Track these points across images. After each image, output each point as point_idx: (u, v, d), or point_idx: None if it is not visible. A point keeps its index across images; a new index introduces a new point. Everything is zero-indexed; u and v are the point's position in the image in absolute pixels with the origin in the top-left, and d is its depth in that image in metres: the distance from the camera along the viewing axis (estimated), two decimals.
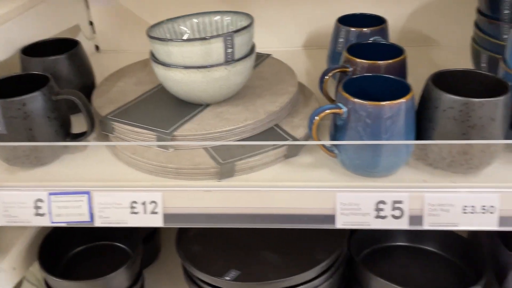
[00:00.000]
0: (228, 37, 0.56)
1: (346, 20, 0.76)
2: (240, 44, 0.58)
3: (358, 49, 0.64)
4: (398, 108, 0.50)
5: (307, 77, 0.81)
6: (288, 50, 0.95)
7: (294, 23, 0.94)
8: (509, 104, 0.50)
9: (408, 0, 0.91)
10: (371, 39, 0.71)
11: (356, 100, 0.50)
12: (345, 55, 0.63)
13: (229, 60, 0.58)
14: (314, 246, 0.70)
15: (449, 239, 0.78)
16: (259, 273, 0.66)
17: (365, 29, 0.73)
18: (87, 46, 0.98)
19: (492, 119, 0.48)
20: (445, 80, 0.55)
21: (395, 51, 0.63)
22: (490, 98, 0.48)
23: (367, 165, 0.52)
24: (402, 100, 0.50)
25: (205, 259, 0.69)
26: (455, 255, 0.78)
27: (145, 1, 0.93)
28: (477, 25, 0.71)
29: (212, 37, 0.56)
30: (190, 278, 0.71)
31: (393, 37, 0.94)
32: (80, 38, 0.96)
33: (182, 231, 0.76)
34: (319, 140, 0.53)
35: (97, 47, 1.00)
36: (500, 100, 0.48)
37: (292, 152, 0.58)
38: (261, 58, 0.79)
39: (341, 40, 0.74)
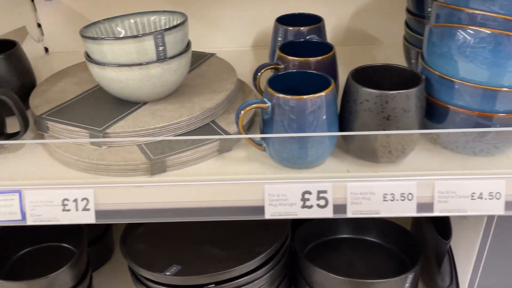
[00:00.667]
0: (159, 35, 0.58)
1: (285, 20, 0.78)
2: (172, 42, 0.60)
3: (292, 47, 0.67)
4: (319, 101, 0.52)
5: (251, 76, 0.83)
6: (236, 49, 0.97)
7: (242, 23, 0.96)
8: (421, 96, 0.53)
9: (352, 1, 0.94)
10: (307, 37, 0.74)
11: (279, 95, 0.52)
12: (278, 53, 0.65)
13: (162, 58, 0.60)
14: (255, 239, 0.72)
15: (389, 230, 0.82)
16: (200, 267, 0.67)
17: (302, 28, 0.75)
18: (36, 48, 0.98)
19: (405, 110, 0.51)
20: (367, 75, 0.57)
21: (326, 48, 0.66)
22: (401, 90, 0.50)
23: (292, 157, 0.54)
24: (322, 93, 0.52)
25: (148, 256, 0.70)
26: (394, 244, 0.81)
27: (93, 2, 0.93)
28: (406, 24, 0.74)
29: (143, 35, 0.57)
30: (135, 276, 0.72)
31: (338, 36, 0.98)
32: (28, 40, 0.95)
33: (128, 229, 0.77)
34: (247, 134, 0.55)
35: (46, 49, 0.99)
36: (412, 92, 0.51)
37: (225, 147, 0.60)
38: (205, 57, 0.81)
39: (279, 39, 0.76)
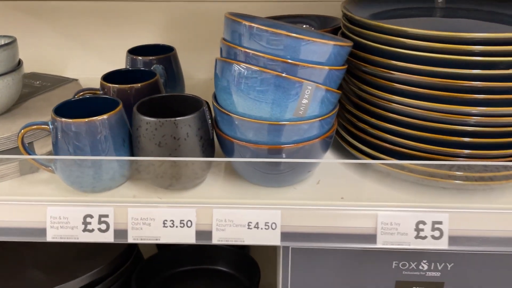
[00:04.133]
0: None
1: (142, 50, 0.81)
2: None
3: (119, 76, 0.69)
4: (98, 124, 0.53)
5: None
6: None
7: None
8: (196, 125, 0.54)
9: None
10: (152, 67, 0.76)
11: (58, 118, 0.53)
12: (100, 80, 0.67)
13: None
14: (87, 262, 0.71)
15: (234, 257, 0.82)
16: None
17: (151, 57, 0.77)
18: None
19: (174, 137, 0.52)
20: (163, 104, 0.59)
21: (150, 76, 0.68)
22: (168, 118, 0.52)
23: (76, 181, 0.55)
24: (104, 116, 0.53)
25: None
26: (240, 272, 0.81)
27: None
28: None
29: None
30: None
31: None
32: None
33: None
34: (28, 154, 0.56)
35: None
36: (181, 120, 0.52)
37: (26, 169, 0.61)
38: (64, 82, 0.82)
39: (129, 68, 0.78)
